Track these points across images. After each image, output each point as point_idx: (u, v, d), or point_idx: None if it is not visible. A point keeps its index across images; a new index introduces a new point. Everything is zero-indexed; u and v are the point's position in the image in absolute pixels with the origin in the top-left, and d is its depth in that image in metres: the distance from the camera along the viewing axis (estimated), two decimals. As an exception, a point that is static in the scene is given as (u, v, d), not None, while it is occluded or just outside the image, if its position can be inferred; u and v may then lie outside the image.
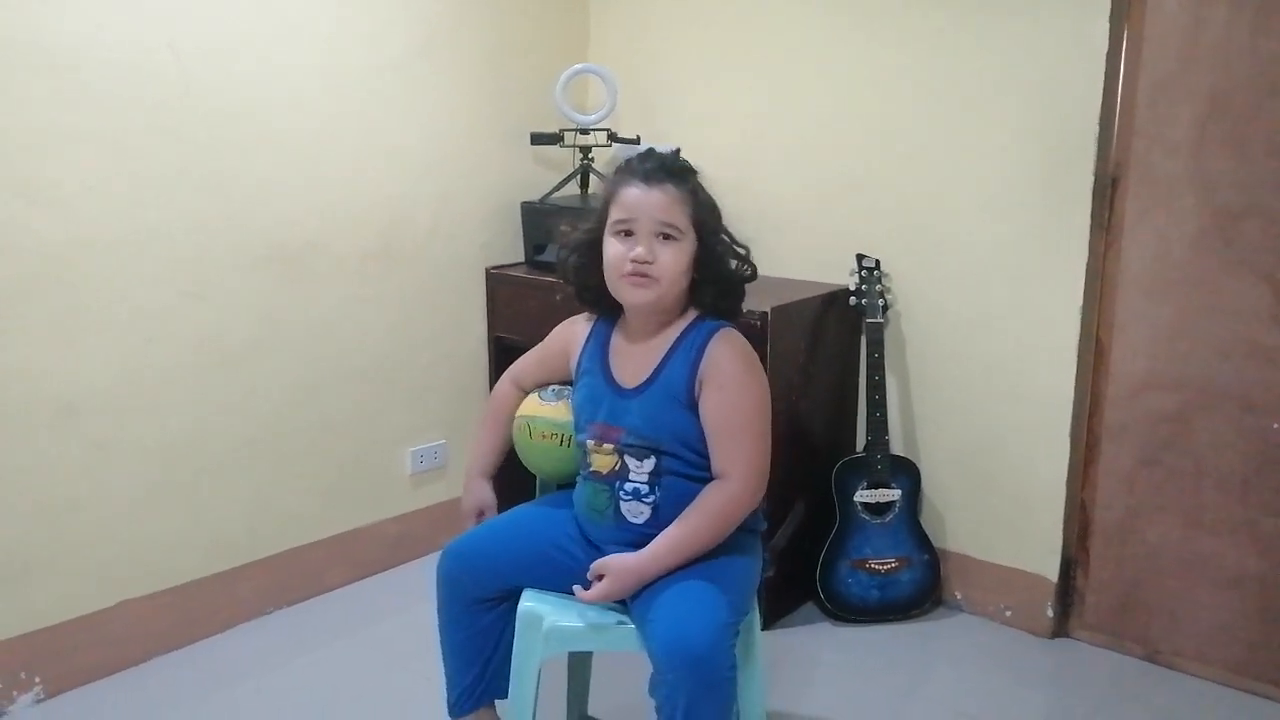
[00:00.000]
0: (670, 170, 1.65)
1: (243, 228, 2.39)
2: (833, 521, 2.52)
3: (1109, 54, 2.22)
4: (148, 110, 2.19)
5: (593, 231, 1.72)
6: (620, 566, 1.59)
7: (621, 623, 1.62)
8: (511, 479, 1.97)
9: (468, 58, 2.81)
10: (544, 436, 1.81)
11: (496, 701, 1.80)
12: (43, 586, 2.16)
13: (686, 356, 1.65)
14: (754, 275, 1.76)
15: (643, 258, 1.61)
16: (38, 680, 2.16)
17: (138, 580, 2.31)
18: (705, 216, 1.67)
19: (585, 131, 2.90)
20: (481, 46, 2.84)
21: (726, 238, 1.71)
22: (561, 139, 2.89)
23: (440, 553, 1.75)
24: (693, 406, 1.64)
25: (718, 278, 1.70)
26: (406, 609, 2.58)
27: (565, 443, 1.80)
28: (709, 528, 1.61)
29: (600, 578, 1.60)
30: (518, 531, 1.77)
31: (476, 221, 2.91)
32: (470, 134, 2.85)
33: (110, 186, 2.15)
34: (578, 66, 2.92)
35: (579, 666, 2.05)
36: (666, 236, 1.63)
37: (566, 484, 1.86)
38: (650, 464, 1.66)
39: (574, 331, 1.83)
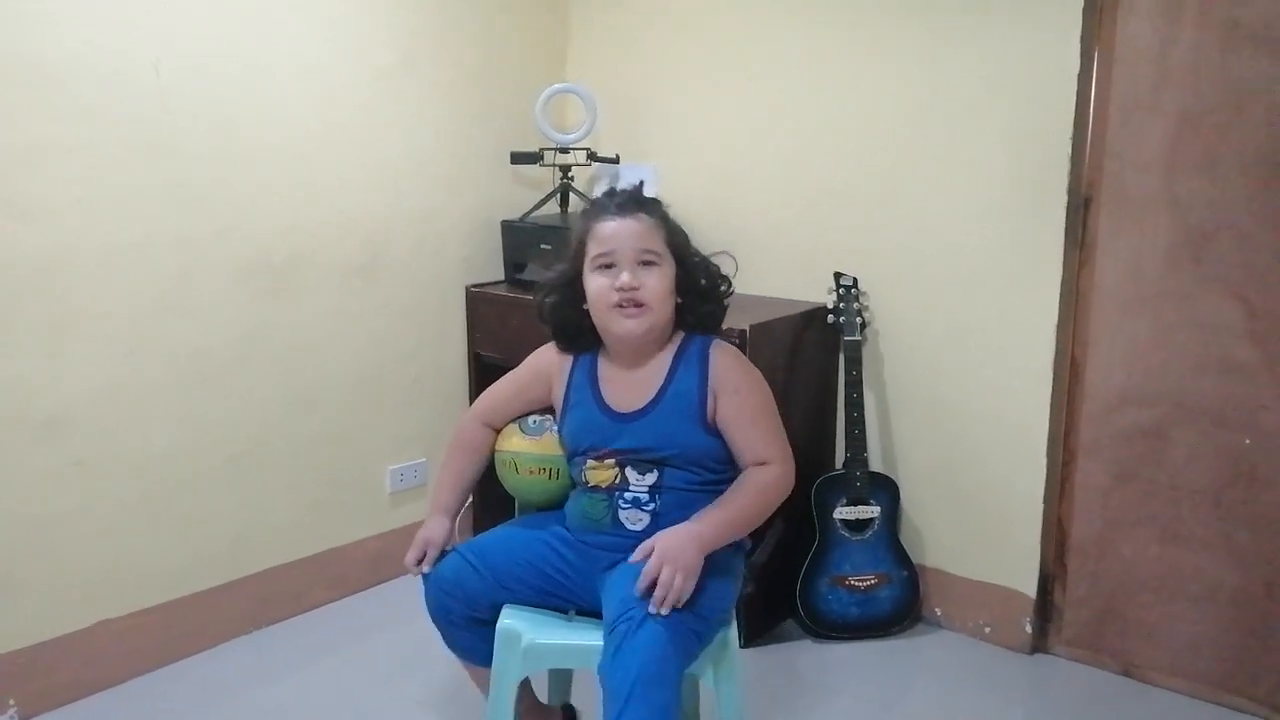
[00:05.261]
0: (640, 201, 1.73)
1: (227, 242, 2.39)
2: (812, 538, 2.53)
3: (1080, 75, 2.25)
4: (134, 124, 2.20)
5: (568, 272, 1.76)
6: (671, 539, 1.56)
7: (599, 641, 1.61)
8: (492, 495, 1.98)
9: (448, 76, 2.82)
10: (531, 472, 1.82)
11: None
12: (19, 605, 2.14)
13: (692, 371, 1.71)
14: (731, 289, 1.83)
15: (629, 284, 1.66)
16: (12, 702, 2.14)
17: (117, 599, 2.30)
18: (679, 240, 1.75)
19: (565, 150, 2.91)
20: (461, 65, 2.85)
21: (700, 257, 1.78)
22: (541, 158, 2.91)
23: (424, 581, 1.75)
24: (705, 420, 1.69)
25: (701, 295, 1.77)
26: (387, 627, 2.57)
27: (554, 476, 1.81)
28: (755, 504, 1.68)
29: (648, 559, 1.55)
30: (502, 550, 1.77)
31: (457, 239, 2.92)
32: (451, 151, 2.86)
33: (95, 200, 2.16)
34: (557, 86, 2.93)
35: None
36: (648, 263, 1.68)
37: (553, 509, 1.85)
38: (652, 478, 1.69)
39: (553, 360, 1.84)
